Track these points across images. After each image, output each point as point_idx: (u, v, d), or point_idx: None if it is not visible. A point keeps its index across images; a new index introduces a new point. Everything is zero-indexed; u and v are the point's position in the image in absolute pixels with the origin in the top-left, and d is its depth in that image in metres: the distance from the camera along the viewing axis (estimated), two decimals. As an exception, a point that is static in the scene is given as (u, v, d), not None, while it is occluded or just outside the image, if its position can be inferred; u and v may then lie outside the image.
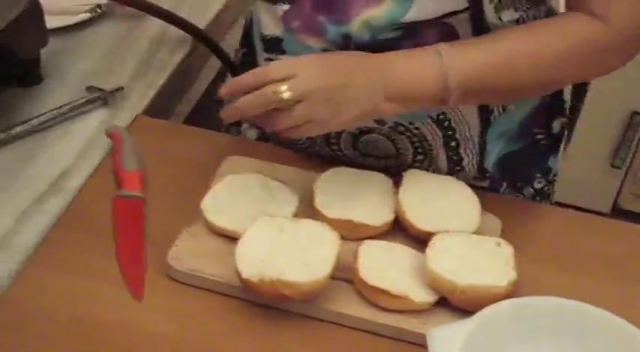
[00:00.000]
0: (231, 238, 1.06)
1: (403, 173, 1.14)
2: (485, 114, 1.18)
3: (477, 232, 1.09)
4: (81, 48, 1.44)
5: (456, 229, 1.07)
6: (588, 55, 1.05)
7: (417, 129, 1.18)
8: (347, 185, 1.13)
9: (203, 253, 1.05)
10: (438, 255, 1.03)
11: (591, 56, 1.06)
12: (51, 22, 1.34)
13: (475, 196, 1.13)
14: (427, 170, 1.19)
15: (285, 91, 0.97)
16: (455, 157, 1.21)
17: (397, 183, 1.13)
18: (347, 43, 1.09)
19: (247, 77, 1.00)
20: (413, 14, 1.06)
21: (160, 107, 1.37)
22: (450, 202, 1.12)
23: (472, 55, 1.03)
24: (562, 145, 1.28)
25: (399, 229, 1.10)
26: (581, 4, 1.05)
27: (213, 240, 1.07)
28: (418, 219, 1.09)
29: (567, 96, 1.25)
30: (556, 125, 1.25)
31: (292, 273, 0.98)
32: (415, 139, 1.19)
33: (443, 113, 1.16)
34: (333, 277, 1.01)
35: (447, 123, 1.17)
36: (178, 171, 1.19)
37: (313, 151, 1.24)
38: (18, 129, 1.23)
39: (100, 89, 1.32)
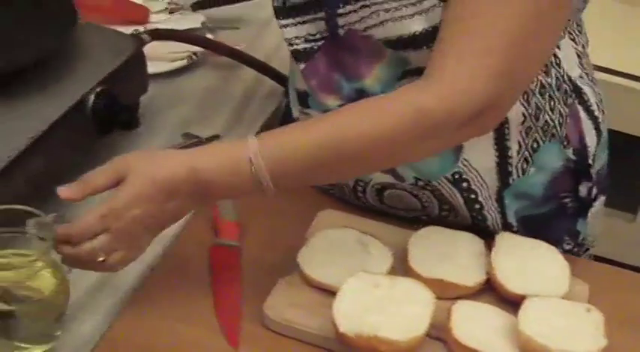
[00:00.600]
0: (327, 291, 1.08)
1: (496, 235, 1.15)
2: (504, 176, 1.19)
3: (566, 296, 1.10)
4: (177, 94, 1.47)
5: (547, 293, 1.08)
6: (407, 137, 1.02)
7: (436, 188, 1.20)
8: (440, 244, 1.15)
9: (298, 304, 1.08)
10: (529, 319, 1.04)
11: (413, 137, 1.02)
12: (148, 68, 1.38)
13: (565, 261, 1.14)
14: (454, 222, 1.22)
15: (103, 250, 1.00)
16: (479, 217, 1.22)
17: (488, 244, 1.15)
18: (361, 97, 1.12)
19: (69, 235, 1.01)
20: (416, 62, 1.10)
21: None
22: (540, 265, 1.14)
23: (283, 152, 1.02)
24: (592, 208, 1.27)
25: (490, 289, 1.12)
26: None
27: (309, 292, 1.10)
28: (510, 281, 1.11)
29: (592, 159, 1.24)
30: (582, 189, 1.24)
31: (389, 330, 1.00)
32: (437, 194, 1.21)
33: (458, 173, 1.18)
34: (426, 335, 1.02)
35: (465, 185, 1.19)
36: (273, 222, 1.22)
37: (348, 201, 1.27)
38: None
39: (196, 136, 1.35)
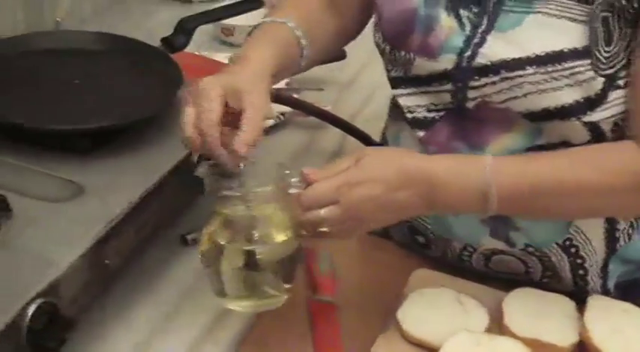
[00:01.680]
0: (426, 347, 1.10)
1: (588, 298, 1.18)
2: (611, 243, 1.21)
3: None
4: (265, 154, 1.50)
5: (641, 356, 1.10)
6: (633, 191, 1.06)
7: (545, 253, 1.22)
8: (533, 304, 1.17)
9: (399, 360, 1.11)
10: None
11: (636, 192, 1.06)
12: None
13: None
14: (554, 288, 1.23)
15: (328, 222, 1.04)
16: (581, 282, 1.24)
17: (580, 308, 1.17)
18: None
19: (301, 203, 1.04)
20: (543, 140, 1.12)
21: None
22: (632, 329, 1.16)
23: (515, 177, 1.07)
24: None
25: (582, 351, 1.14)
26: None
27: (408, 348, 1.12)
28: (604, 343, 1.12)
29: None
30: None
31: (492, 387, 1.02)
32: (545, 260, 1.23)
33: (569, 239, 1.20)
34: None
35: (573, 250, 1.21)
36: (368, 279, 1.25)
37: (445, 262, 1.29)
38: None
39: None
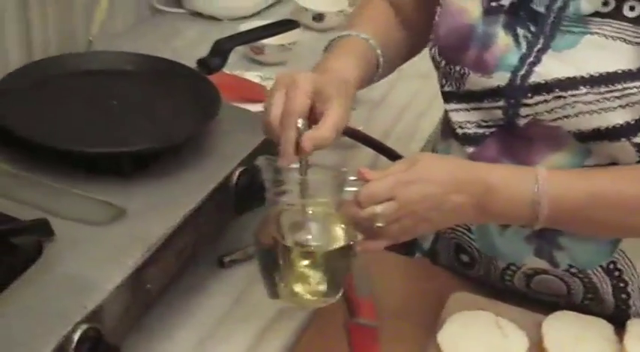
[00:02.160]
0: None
1: (627, 321, 1.17)
2: None
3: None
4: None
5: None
6: None
7: (588, 275, 1.22)
8: (572, 328, 1.18)
9: (441, 383, 1.10)
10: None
11: None
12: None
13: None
14: (594, 310, 1.23)
15: (384, 217, 1.05)
16: (622, 306, 1.24)
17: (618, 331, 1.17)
18: None
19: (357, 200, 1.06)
20: (591, 160, 1.12)
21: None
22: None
23: (567, 190, 1.08)
24: None
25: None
26: None
27: (448, 371, 1.12)
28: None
29: None
30: None
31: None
32: (587, 281, 1.23)
33: (613, 262, 1.20)
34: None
35: (617, 273, 1.21)
36: (407, 301, 1.25)
37: (488, 282, 1.30)
38: (250, 249, 1.30)
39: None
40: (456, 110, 1.21)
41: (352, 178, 1.08)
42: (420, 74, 1.70)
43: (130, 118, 1.26)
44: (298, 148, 1.05)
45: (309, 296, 1.12)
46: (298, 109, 1.05)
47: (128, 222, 1.11)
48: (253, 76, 1.76)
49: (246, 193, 1.26)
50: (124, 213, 1.12)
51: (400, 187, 1.05)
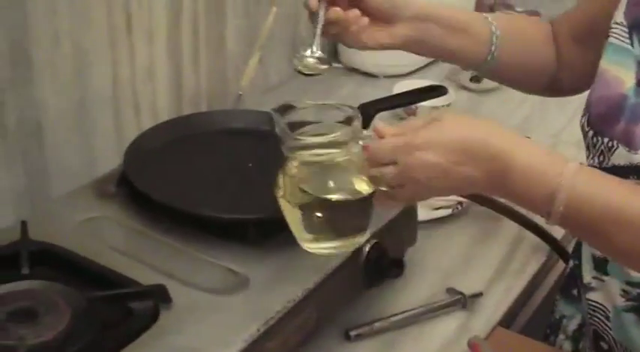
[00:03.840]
0: None
1: None
2: None
3: None
4: (440, 244, 1.46)
5: None
6: None
7: None
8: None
9: None
10: None
11: None
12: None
13: None
14: None
15: (385, 181, 1.02)
16: None
17: None
18: None
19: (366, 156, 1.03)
20: None
21: (508, 315, 1.36)
22: None
23: (592, 188, 0.98)
24: None
25: None
26: None
27: None
28: None
29: None
30: None
31: None
32: None
33: None
34: None
35: None
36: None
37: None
38: (377, 325, 1.26)
39: (460, 292, 1.32)
40: None
41: (367, 132, 1.04)
42: (576, 141, 1.62)
43: (263, 182, 1.22)
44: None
45: (333, 242, 1.09)
46: None
47: (249, 292, 1.08)
48: (403, 137, 1.71)
49: (376, 267, 1.21)
50: (246, 282, 1.09)
51: (403, 152, 0.99)
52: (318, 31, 1.20)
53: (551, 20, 1.39)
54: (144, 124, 1.49)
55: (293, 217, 1.08)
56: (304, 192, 1.05)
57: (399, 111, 1.82)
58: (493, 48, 1.30)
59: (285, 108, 1.06)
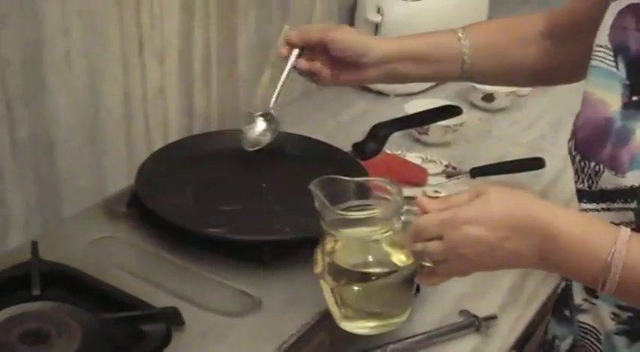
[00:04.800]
0: None
1: None
2: None
3: None
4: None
5: None
6: None
7: None
8: None
9: None
10: None
11: None
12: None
13: None
14: None
15: (430, 256, 1.00)
16: None
17: None
18: None
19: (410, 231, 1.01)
20: None
21: (522, 338, 1.35)
22: None
23: None
24: None
25: None
26: None
27: None
28: None
29: None
30: None
31: None
32: None
33: None
34: None
35: None
36: None
37: None
38: (391, 347, 1.24)
39: (474, 315, 1.31)
40: (587, 210, 1.13)
41: (409, 207, 1.02)
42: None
43: (276, 203, 1.22)
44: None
45: (374, 321, 1.07)
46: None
47: (262, 314, 1.08)
48: (415, 157, 1.71)
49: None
50: (259, 304, 1.08)
51: (449, 227, 0.98)
52: (282, 78, 1.28)
53: (547, 14, 1.40)
54: (154, 144, 1.48)
55: (330, 294, 1.05)
56: (343, 268, 1.03)
57: (412, 130, 1.81)
58: (465, 66, 1.33)
59: (324, 183, 1.03)
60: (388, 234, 1.03)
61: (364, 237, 1.02)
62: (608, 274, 0.96)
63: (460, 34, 1.33)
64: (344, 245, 1.03)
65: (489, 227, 0.98)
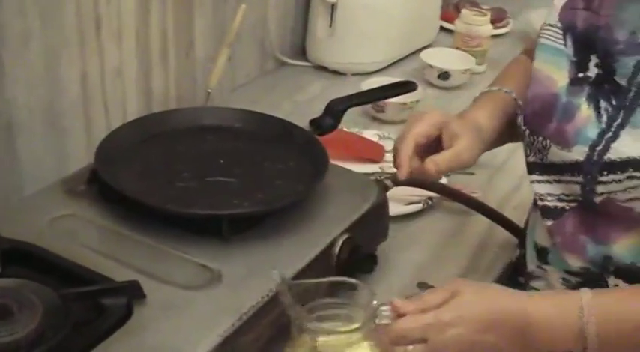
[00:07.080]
0: None
1: None
2: None
3: None
4: (411, 238, 1.47)
5: None
6: None
7: None
8: None
9: None
10: None
11: None
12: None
13: None
14: None
15: None
16: None
17: None
18: (607, 265, 1.11)
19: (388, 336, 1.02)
20: None
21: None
22: None
23: (616, 314, 1.02)
24: None
25: None
26: None
27: None
28: None
29: None
30: None
31: None
32: None
33: None
34: None
35: None
36: None
37: None
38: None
39: (431, 286, 1.33)
40: (538, 182, 1.18)
41: (385, 309, 1.02)
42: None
43: (234, 178, 1.23)
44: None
45: None
46: (417, 131, 1.16)
47: (222, 287, 1.08)
48: (372, 134, 1.73)
49: (348, 263, 1.21)
50: (219, 277, 1.09)
51: (435, 330, 1.00)
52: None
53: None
54: (113, 124, 1.49)
55: None
56: None
57: (369, 107, 1.82)
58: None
59: (292, 286, 1.01)
60: (363, 340, 1.02)
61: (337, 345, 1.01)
62: (586, 342, 1.01)
63: (513, 95, 1.29)
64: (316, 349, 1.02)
65: (470, 327, 1.01)
